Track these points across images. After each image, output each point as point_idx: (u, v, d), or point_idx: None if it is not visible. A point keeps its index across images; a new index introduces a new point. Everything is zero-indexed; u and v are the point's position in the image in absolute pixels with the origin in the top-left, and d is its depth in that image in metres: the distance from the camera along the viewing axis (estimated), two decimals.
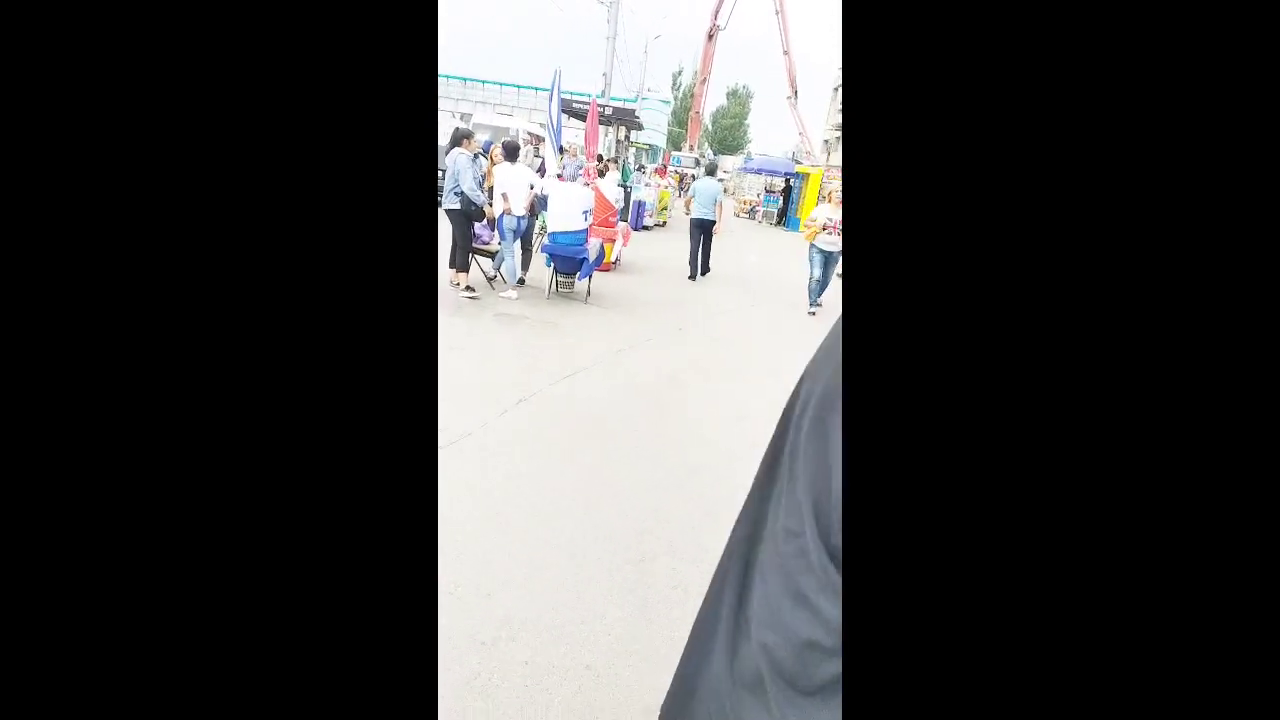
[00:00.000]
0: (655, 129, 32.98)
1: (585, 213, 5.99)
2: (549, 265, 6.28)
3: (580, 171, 9.73)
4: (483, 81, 32.26)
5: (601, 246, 6.71)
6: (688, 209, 8.83)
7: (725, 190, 21.52)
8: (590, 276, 6.47)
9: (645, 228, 13.56)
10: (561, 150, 12.85)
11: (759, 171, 21.81)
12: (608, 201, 7.94)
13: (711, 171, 9.30)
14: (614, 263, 8.34)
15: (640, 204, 13.20)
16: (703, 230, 8.45)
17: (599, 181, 8.08)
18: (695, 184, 8.80)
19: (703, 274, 8.64)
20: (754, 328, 6.43)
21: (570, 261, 6.04)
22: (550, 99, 6.31)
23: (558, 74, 6.13)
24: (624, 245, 8.36)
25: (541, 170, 8.21)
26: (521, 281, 6.67)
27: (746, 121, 49.33)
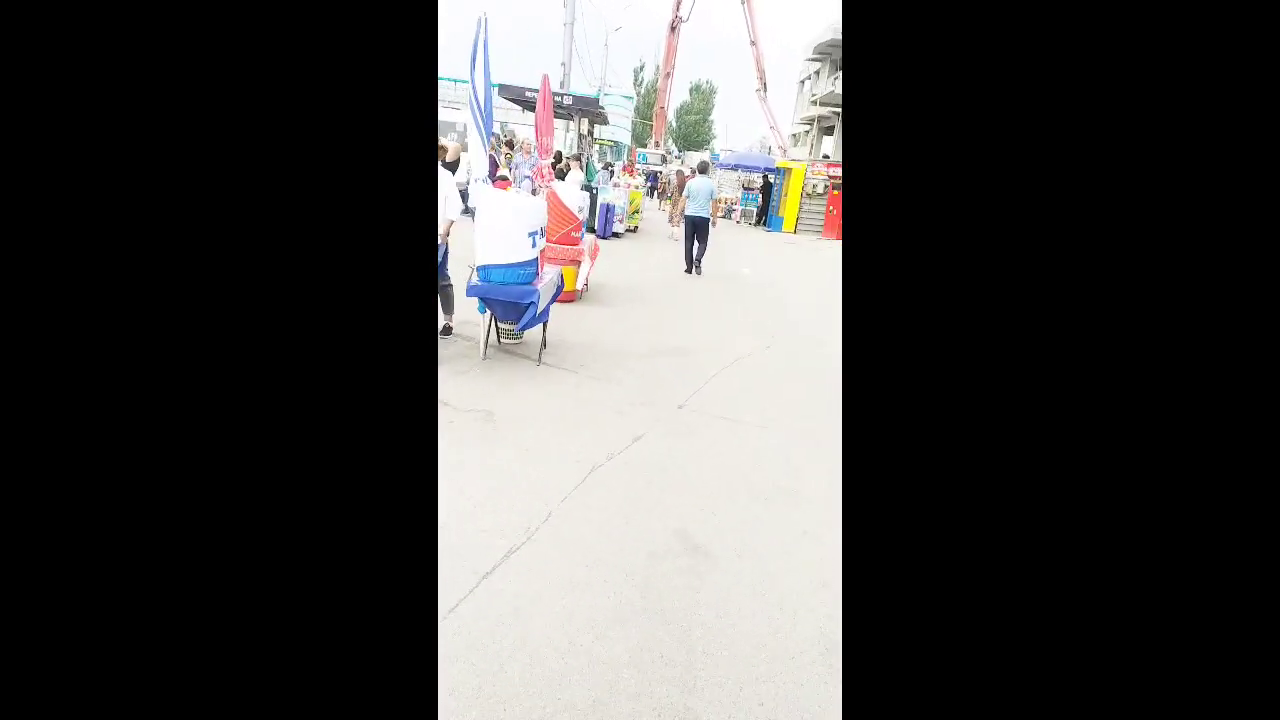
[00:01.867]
0: (620, 125, 30.94)
1: (534, 235, 3.90)
2: (482, 312, 4.18)
3: (532, 172, 7.65)
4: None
5: (560, 276, 4.64)
6: (680, 211, 9.08)
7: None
8: (546, 322, 4.40)
9: (616, 234, 11.48)
10: (509, 146, 10.68)
11: (735, 167, 19.83)
12: (568, 211, 5.85)
13: (704, 170, 9.21)
14: (580, 291, 6.27)
15: (609, 208, 11.11)
16: (697, 227, 8.48)
17: (556, 185, 5.99)
18: (690, 183, 8.80)
19: (696, 272, 8.58)
20: (783, 393, 4.42)
21: (513, 309, 3.95)
22: (473, 60, 4.17)
23: (482, 23, 4.00)
24: (591, 266, 6.30)
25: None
26: (447, 330, 4.56)
27: (711, 117, 47.37)
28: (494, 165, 7.80)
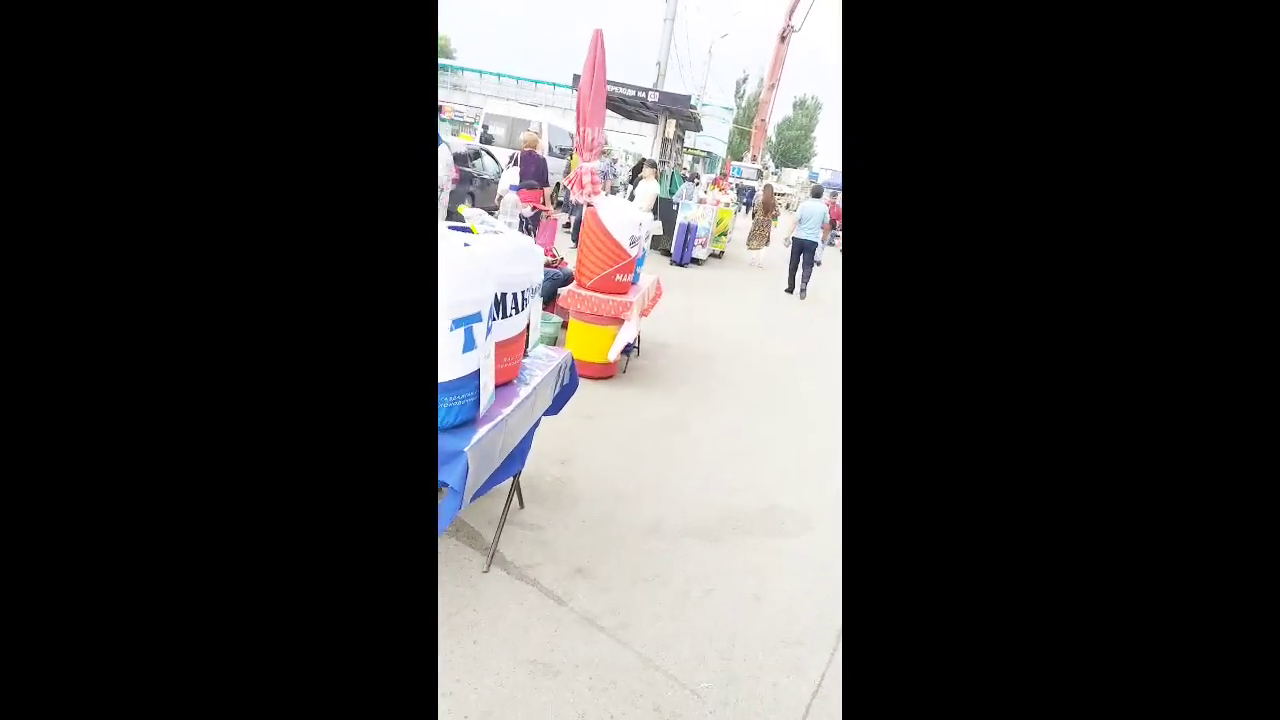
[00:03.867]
0: (716, 137, 28.61)
1: (467, 323, 1.66)
2: None
3: (569, 180, 5.44)
4: (497, 75, 27.68)
5: (564, 369, 2.41)
6: (766, 235, 10.03)
7: (787, 207, 17.74)
8: (519, 472, 2.17)
9: (696, 260, 9.17)
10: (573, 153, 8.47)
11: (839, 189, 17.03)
12: (614, 242, 3.61)
13: (818, 195, 8.89)
14: (626, 356, 4.02)
15: (689, 227, 8.82)
16: (804, 250, 8.21)
17: (599, 202, 3.76)
18: (802, 206, 8.67)
19: (801, 295, 8.29)
20: None
21: None
22: None
23: None
24: (641, 318, 4.04)
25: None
26: None
27: (813, 134, 44.07)
28: (529, 166, 5.67)
